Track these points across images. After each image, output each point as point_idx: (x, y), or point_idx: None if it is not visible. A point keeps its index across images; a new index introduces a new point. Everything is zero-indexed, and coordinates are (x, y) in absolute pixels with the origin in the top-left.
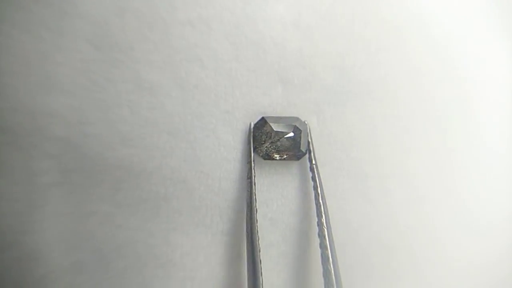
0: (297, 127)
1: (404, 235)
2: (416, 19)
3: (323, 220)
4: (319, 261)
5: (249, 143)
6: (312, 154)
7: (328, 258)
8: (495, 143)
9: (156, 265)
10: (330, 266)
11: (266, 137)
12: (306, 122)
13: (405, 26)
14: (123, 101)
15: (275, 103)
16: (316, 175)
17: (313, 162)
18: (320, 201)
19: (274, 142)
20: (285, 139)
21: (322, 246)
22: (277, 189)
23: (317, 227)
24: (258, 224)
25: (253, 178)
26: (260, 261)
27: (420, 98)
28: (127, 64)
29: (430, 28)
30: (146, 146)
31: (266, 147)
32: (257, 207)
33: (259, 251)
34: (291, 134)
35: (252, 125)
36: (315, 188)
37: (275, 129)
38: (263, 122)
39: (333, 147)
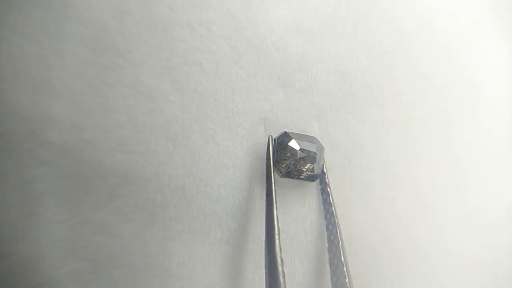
0: (319, 147)
1: (409, 242)
2: (421, 23)
3: (339, 243)
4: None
5: (268, 158)
6: (326, 175)
7: (336, 274)
8: (501, 149)
9: (152, 275)
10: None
11: (290, 154)
12: (321, 144)
13: (410, 30)
14: (120, 106)
15: (276, 108)
16: (331, 198)
17: (327, 183)
18: (335, 222)
19: (298, 161)
20: (308, 159)
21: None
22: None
23: (327, 243)
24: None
25: (274, 194)
26: (284, 273)
27: (424, 103)
28: (125, 68)
29: (436, 33)
30: (144, 152)
31: (288, 164)
32: (279, 225)
33: (282, 265)
34: (314, 154)
35: (271, 139)
36: (327, 209)
37: (300, 147)
38: (286, 137)
39: (336, 154)
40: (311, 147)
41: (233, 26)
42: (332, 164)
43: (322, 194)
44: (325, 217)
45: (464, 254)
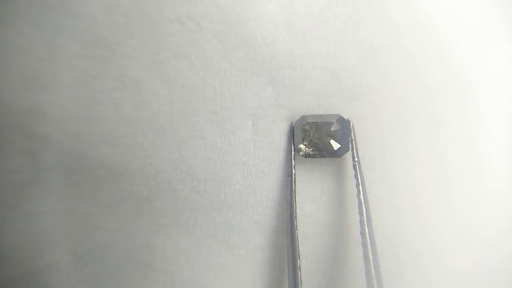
0: (338, 124)
1: (392, 245)
2: (412, 22)
3: (364, 218)
4: (360, 260)
5: (290, 142)
6: (354, 151)
7: (368, 257)
8: (494, 151)
9: (135, 268)
10: (370, 265)
11: (305, 134)
12: (349, 118)
13: (400, 28)
14: (107, 99)
15: (264, 104)
16: (359, 173)
17: (356, 159)
18: (362, 199)
19: (313, 140)
20: (325, 136)
21: (364, 244)
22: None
23: (359, 226)
24: (297, 220)
25: (293, 176)
26: (299, 256)
27: (414, 102)
28: (112, 61)
29: (426, 31)
30: (130, 145)
31: (305, 144)
32: (296, 205)
33: (298, 247)
34: (331, 131)
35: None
36: (357, 185)
37: (313, 127)
38: (302, 120)
39: None
40: (327, 126)
41: (223, 22)
42: (315, 162)
43: (353, 169)
44: (357, 195)
45: (456, 260)
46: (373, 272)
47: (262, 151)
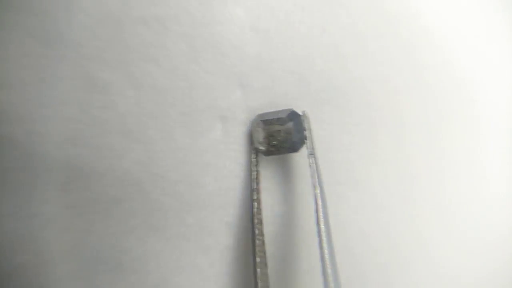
0: (289, 118)
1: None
2: (377, 26)
3: (320, 216)
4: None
5: (249, 142)
6: (309, 143)
7: (325, 258)
8: (493, 154)
9: (103, 270)
10: (326, 266)
11: (263, 133)
12: (304, 111)
13: (366, 33)
14: (72, 99)
15: (234, 107)
16: (315, 165)
17: (310, 151)
18: (318, 192)
19: (266, 137)
20: (277, 133)
21: (320, 246)
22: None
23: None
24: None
25: (254, 175)
26: (262, 255)
27: (380, 105)
28: (76, 61)
29: (392, 36)
30: (97, 146)
31: (262, 142)
32: (261, 206)
33: (261, 246)
34: (283, 126)
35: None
36: (312, 176)
37: (266, 124)
38: (257, 119)
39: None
40: (278, 121)
41: (189, 25)
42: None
43: (308, 160)
44: (312, 188)
45: (450, 267)
46: (329, 271)
47: (232, 153)
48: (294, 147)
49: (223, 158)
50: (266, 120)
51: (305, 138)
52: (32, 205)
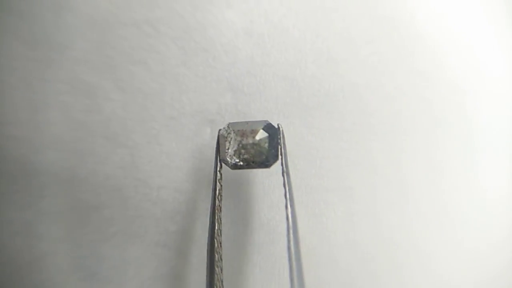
0: (264, 131)
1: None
2: (369, 32)
3: (290, 232)
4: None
5: (216, 152)
6: (283, 159)
7: (292, 268)
8: (488, 159)
9: (79, 278)
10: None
11: (233, 144)
12: (279, 125)
13: (358, 39)
14: (54, 102)
15: (223, 111)
16: (287, 182)
17: (284, 168)
18: (289, 211)
19: (237, 150)
20: (250, 146)
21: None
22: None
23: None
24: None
25: (217, 191)
26: (221, 269)
27: (371, 112)
28: (62, 63)
29: (383, 42)
30: (78, 150)
31: (230, 155)
32: (221, 217)
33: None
34: (256, 139)
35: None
36: (285, 195)
37: (238, 136)
38: (228, 128)
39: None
40: (252, 133)
41: (181, 28)
42: (275, 169)
43: (282, 176)
44: (285, 207)
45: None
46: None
47: None
48: (266, 163)
49: (210, 163)
50: (239, 130)
51: (280, 154)
52: (7, 212)
